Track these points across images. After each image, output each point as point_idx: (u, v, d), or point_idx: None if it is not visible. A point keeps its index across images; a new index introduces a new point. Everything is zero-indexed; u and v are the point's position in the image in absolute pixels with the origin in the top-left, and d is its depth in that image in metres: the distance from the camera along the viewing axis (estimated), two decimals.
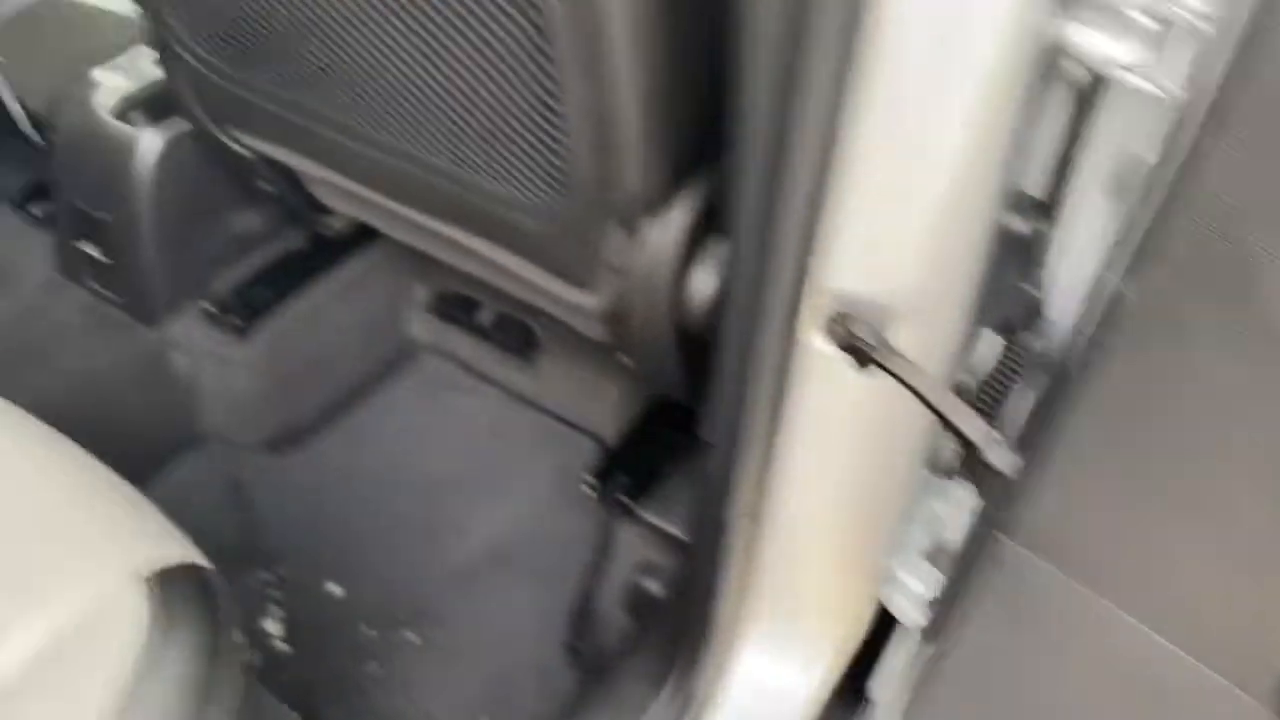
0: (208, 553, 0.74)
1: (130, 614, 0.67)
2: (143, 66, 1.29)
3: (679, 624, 0.97)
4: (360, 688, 1.17)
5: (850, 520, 0.82)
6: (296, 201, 1.26)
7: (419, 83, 0.84)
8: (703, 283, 0.93)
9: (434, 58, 0.81)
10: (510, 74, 0.78)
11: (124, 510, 0.73)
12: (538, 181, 0.86)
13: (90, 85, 1.27)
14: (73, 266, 1.36)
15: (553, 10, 0.70)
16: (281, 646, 1.20)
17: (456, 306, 1.47)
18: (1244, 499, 0.65)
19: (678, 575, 1.16)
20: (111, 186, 1.26)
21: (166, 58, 1.12)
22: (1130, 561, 0.72)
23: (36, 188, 1.50)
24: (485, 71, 0.79)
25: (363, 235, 1.41)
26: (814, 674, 0.95)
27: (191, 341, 1.32)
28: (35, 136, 1.39)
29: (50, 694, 0.64)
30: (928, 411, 0.62)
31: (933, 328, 0.67)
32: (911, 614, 0.93)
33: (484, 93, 0.81)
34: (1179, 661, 0.72)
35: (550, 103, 0.78)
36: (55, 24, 1.33)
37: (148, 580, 0.68)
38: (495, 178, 0.89)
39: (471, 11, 0.75)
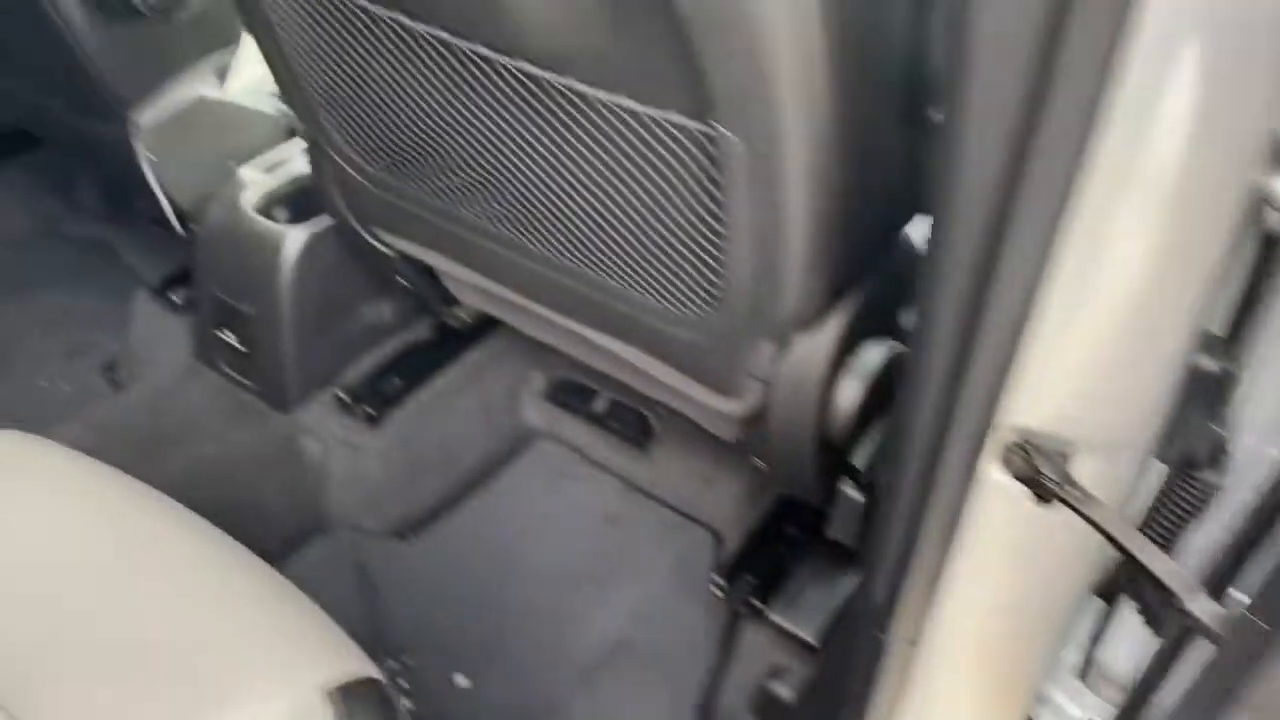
0: None
1: None
2: (286, 163, 1.35)
3: None
4: None
5: (1010, 644, 0.81)
6: (431, 295, 1.30)
7: (582, 203, 0.86)
8: (848, 393, 0.93)
9: (604, 182, 0.83)
10: (679, 199, 0.79)
11: (308, 623, 0.75)
12: (694, 298, 0.88)
13: (238, 183, 1.33)
14: (210, 353, 1.41)
15: (732, 147, 0.71)
16: None
17: (572, 394, 1.49)
18: None
19: (808, 681, 1.14)
20: (254, 279, 1.31)
21: (315, 156, 1.15)
22: None
23: (176, 276, 1.57)
24: (653, 196, 0.81)
25: (485, 324, 1.45)
26: None
27: (323, 428, 1.35)
28: (179, 229, 1.45)
29: None
30: (1104, 544, 0.62)
31: (1113, 463, 0.67)
32: None
33: (650, 215, 0.83)
34: None
35: (716, 226, 0.80)
36: (206, 123, 1.39)
37: (330, 695, 0.70)
38: (649, 292, 0.90)
39: (646, 142, 0.77)
